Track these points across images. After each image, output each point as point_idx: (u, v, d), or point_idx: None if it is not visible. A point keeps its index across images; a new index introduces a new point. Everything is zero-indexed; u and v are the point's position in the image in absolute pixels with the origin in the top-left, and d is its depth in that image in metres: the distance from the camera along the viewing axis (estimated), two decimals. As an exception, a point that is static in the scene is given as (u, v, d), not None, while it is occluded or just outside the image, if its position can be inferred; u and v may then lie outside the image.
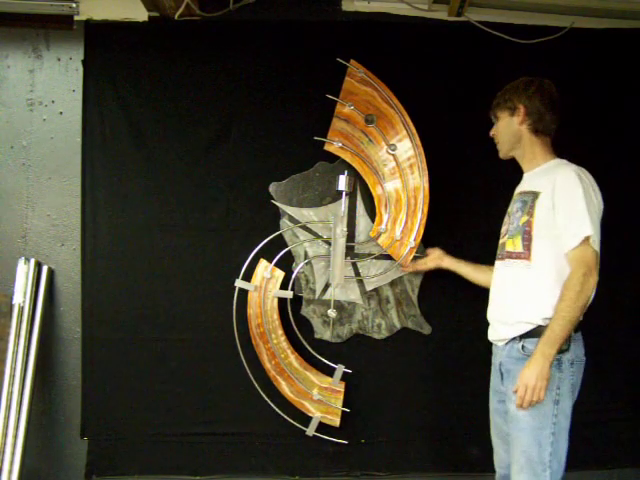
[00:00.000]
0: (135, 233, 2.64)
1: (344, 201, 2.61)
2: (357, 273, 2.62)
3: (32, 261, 2.63)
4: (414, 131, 2.55)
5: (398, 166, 2.56)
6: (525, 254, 1.92)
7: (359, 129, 2.58)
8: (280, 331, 2.57)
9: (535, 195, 1.94)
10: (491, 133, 2.16)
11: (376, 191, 2.58)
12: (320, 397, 2.56)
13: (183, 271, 2.63)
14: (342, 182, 2.59)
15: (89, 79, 2.66)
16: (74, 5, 2.66)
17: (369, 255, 2.62)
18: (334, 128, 2.59)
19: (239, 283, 2.57)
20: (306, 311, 2.63)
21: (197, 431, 2.62)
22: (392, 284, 2.64)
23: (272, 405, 2.56)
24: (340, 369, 2.57)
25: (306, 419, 2.57)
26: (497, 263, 2.09)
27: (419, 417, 2.64)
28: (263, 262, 2.59)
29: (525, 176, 2.10)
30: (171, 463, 2.62)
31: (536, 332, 1.86)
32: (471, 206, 2.68)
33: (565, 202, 1.85)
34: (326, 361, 2.59)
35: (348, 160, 2.59)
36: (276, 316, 2.58)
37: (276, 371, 2.56)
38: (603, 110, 2.69)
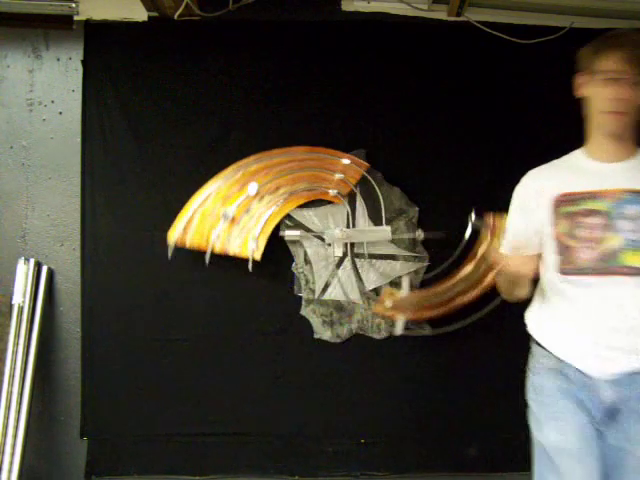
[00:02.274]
0: (135, 233, 2.64)
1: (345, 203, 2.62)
2: (357, 273, 2.63)
3: (32, 261, 2.63)
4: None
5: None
6: None
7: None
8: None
9: None
10: (619, 94, 1.58)
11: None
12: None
13: (182, 271, 2.63)
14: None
15: (89, 79, 2.66)
16: (74, 5, 2.66)
17: (369, 255, 2.62)
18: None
19: (398, 329, 2.51)
20: (306, 311, 2.63)
21: (197, 431, 2.61)
22: (392, 284, 2.63)
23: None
24: None
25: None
26: (603, 279, 1.59)
27: (419, 417, 2.64)
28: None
29: (616, 167, 1.64)
30: (171, 463, 2.62)
31: None
32: (469, 205, 2.68)
33: None
34: None
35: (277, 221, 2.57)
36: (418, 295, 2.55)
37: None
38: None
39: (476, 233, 2.51)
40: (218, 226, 2.51)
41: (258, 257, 2.52)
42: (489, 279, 2.45)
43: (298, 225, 2.62)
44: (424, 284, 2.60)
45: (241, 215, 2.53)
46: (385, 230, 2.58)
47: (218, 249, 2.51)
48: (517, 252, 1.64)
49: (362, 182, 2.62)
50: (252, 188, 2.50)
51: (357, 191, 2.62)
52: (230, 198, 2.53)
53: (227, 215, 2.48)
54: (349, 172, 2.59)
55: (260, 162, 2.56)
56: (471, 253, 2.51)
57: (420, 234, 2.57)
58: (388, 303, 2.49)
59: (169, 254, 2.51)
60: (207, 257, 2.50)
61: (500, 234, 2.33)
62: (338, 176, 2.56)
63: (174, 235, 2.52)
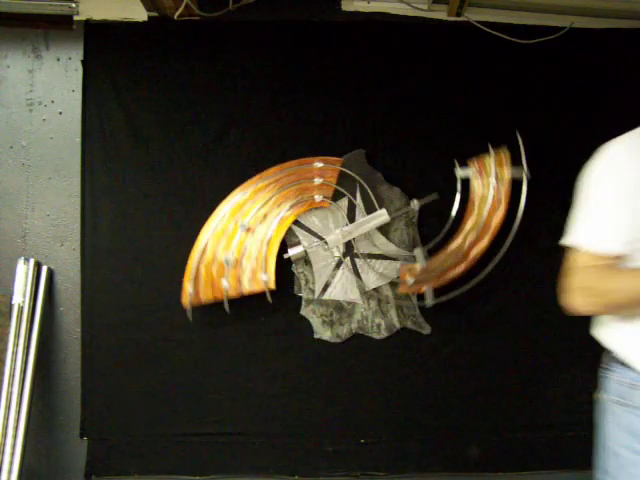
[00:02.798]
0: (135, 233, 2.64)
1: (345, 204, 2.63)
2: (357, 273, 2.63)
3: (32, 261, 2.63)
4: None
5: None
6: None
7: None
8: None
9: None
10: None
11: None
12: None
13: (183, 271, 2.62)
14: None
15: (88, 79, 2.67)
16: (74, 5, 2.67)
17: (369, 255, 2.62)
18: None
19: (428, 300, 2.53)
20: (306, 311, 2.63)
21: (196, 431, 2.61)
22: (392, 284, 2.63)
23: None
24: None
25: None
26: None
27: (419, 417, 2.64)
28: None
29: None
30: (171, 463, 2.62)
31: None
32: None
33: None
34: None
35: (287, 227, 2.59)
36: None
37: None
38: (603, 110, 2.69)
39: (466, 183, 2.55)
40: (225, 272, 2.52)
41: (273, 286, 2.53)
42: (495, 222, 2.50)
43: (301, 226, 2.63)
44: (435, 249, 2.60)
45: (241, 255, 2.54)
46: (382, 214, 2.59)
47: (233, 294, 2.52)
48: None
49: (352, 179, 2.62)
50: (242, 226, 2.53)
51: (358, 191, 2.63)
52: (226, 240, 2.55)
53: (229, 260, 2.50)
54: (326, 174, 2.60)
55: (243, 195, 2.57)
56: (469, 204, 2.55)
57: (415, 204, 2.58)
58: (410, 279, 2.51)
59: (189, 317, 2.52)
60: (226, 305, 2.51)
61: (489, 174, 2.41)
62: (317, 181, 2.57)
63: (187, 298, 2.52)
